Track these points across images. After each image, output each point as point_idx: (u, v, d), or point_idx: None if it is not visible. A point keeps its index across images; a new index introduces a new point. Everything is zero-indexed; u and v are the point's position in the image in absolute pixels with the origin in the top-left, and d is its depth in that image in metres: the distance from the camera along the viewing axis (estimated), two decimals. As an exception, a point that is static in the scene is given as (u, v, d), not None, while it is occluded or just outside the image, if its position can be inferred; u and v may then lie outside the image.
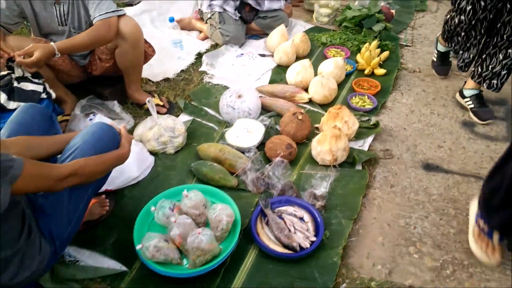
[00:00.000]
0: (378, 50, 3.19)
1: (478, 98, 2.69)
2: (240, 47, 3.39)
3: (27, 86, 1.99)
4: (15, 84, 1.98)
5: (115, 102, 2.52)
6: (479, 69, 2.57)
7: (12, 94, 1.96)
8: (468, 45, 2.63)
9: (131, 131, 2.40)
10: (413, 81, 3.07)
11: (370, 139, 2.48)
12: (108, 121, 2.33)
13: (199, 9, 3.50)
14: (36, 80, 2.02)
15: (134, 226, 1.78)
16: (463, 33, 2.58)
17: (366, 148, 2.42)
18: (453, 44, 2.77)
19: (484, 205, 1.80)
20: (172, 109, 2.67)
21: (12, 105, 1.94)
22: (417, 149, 2.45)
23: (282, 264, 1.78)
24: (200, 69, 3.12)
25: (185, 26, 3.63)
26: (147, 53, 2.56)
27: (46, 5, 2.22)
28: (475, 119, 2.67)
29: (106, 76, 2.61)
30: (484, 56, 2.53)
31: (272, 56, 3.27)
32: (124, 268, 1.75)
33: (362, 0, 3.87)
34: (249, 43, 3.49)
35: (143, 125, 2.32)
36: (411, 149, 2.44)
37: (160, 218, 1.76)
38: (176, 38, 3.18)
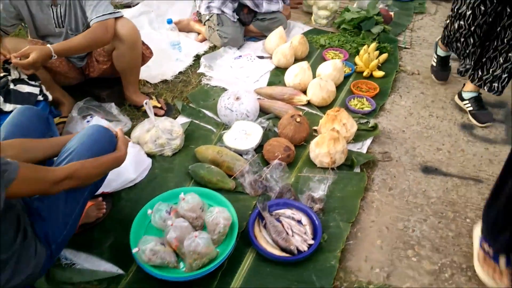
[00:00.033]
0: (377, 52, 3.19)
1: (477, 100, 2.68)
2: (238, 49, 3.38)
3: (24, 88, 1.98)
4: (12, 86, 1.97)
5: (113, 104, 2.51)
6: (479, 72, 2.56)
7: (8, 96, 1.95)
8: (467, 52, 2.60)
9: (128, 133, 2.39)
10: (411, 84, 3.06)
11: (368, 141, 2.47)
12: (105, 123, 2.32)
13: (197, 11, 3.50)
14: (33, 82, 2.01)
15: (130, 229, 1.77)
16: (462, 39, 2.55)
17: (364, 150, 2.41)
18: (454, 49, 2.74)
19: (487, 229, 1.73)
20: (170, 111, 2.66)
21: (8, 107, 1.93)
22: (415, 152, 2.44)
23: (279, 268, 1.77)
24: (198, 71, 3.11)
25: (183, 27, 3.62)
26: (145, 55, 2.55)
27: (43, 6, 2.21)
28: (474, 121, 2.66)
29: (104, 78, 2.60)
30: (484, 59, 2.52)
31: (271, 58, 3.26)
32: (120, 271, 1.74)
33: (361, 1, 3.87)
34: (247, 45, 3.48)
35: (141, 127, 2.31)
36: (410, 152, 2.44)
37: (157, 221, 1.75)
38: (174, 40, 3.17)
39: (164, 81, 2.98)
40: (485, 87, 2.59)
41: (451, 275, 1.80)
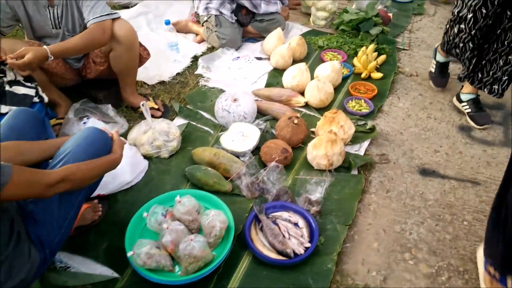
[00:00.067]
0: (375, 53, 3.18)
1: (475, 102, 2.67)
2: (236, 50, 3.37)
3: (19, 90, 1.97)
4: (7, 87, 1.96)
5: (109, 105, 2.50)
6: (479, 75, 2.55)
7: (4, 98, 1.94)
8: (465, 56, 2.57)
9: (125, 135, 2.38)
10: (410, 85, 3.06)
11: (366, 143, 2.46)
12: (101, 124, 2.32)
13: (196, 12, 3.48)
14: (29, 84, 2.00)
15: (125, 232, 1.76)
16: (461, 44, 2.52)
17: (362, 152, 2.41)
18: (454, 55, 2.70)
19: (491, 252, 1.66)
20: (167, 113, 2.65)
21: (3, 109, 1.92)
22: (413, 154, 2.43)
23: (276, 271, 1.76)
24: (196, 72, 3.10)
25: (181, 28, 3.61)
26: (142, 56, 2.54)
27: (40, 7, 2.20)
28: (472, 123, 2.65)
29: (101, 79, 2.59)
30: (483, 62, 2.50)
31: (269, 59, 3.25)
32: (115, 275, 1.73)
33: (360, 2, 3.86)
34: (245, 46, 3.47)
35: (137, 129, 2.31)
36: (408, 154, 2.43)
37: (153, 224, 1.74)
38: (172, 41, 3.16)
39: (162, 82, 2.97)
40: (485, 89, 2.58)
41: (448, 278, 1.79)
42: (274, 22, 3.45)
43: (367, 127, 2.52)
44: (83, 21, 2.23)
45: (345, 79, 3.03)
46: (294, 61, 3.18)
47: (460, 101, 2.74)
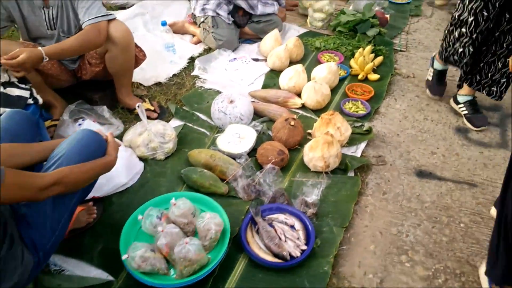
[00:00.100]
0: (372, 55, 3.17)
1: (472, 104, 2.67)
2: (233, 51, 3.36)
3: (13, 92, 1.95)
4: (1, 89, 1.94)
5: (104, 107, 2.48)
6: (478, 77, 2.54)
7: (-2, 99, 1.93)
8: (463, 62, 2.53)
9: (120, 137, 2.36)
10: (406, 87, 3.05)
11: (363, 145, 2.46)
12: (97, 126, 2.31)
13: (192, 13, 3.47)
14: (23, 85, 1.99)
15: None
16: (460, 49, 2.49)
17: (358, 154, 2.40)
18: (453, 63, 2.66)
19: (495, 272, 1.60)
20: (163, 114, 2.64)
21: (-3, 111, 1.91)
22: (410, 156, 2.42)
23: (272, 274, 1.75)
24: (192, 74, 3.09)
25: (178, 29, 3.60)
26: (138, 57, 2.53)
27: (35, 8, 2.19)
28: (469, 125, 2.65)
29: (96, 80, 2.57)
30: (482, 64, 2.49)
31: (266, 60, 3.24)
32: (110, 278, 1.72)
33: (357, 3, 3.86)
34: (242, 48, 3.46)
35: (133, 130, 2.29)
36: (404, 156, 2.42)
37: (147, 227, 1.73)
38: (168, 42, 3.15)
39: (158, 84, 2.95)
40: (484, 91, 2.58)
41: (445, 280, 1.79)
42: (271, 23, 3.44)
43: (364, 129, 2.51)
44: (79, 22, 2.21)
45: (342, 80, 3.02)
46: (291, 63, 3.17)
47: (457, 102, 2.73)
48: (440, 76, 2.87)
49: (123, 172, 2.09)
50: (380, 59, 3.18)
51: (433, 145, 2.51)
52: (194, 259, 1.57)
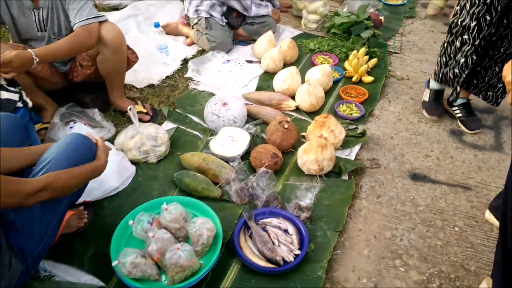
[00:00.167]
0: (366, 57, 3.16)
1: (466, 107, 2.66)
2: (227, 53, 3.34)
3: (2, 95, 1.91)
4: (-10, 92, 1.91)
5: (96, 110, 2.45)
6: (475, 80, 2.53)
7: (-14, 103, 1.89)
8: (464, 74, 2.46)
9: (112, 140, 2.34)
10: (401, 89, 3.04)
11: (357, 148, 2.44)
12: (88, 129, 2.28)
13: (186, 14, 3.45)
14: (12, 88, 1.95)
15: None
16: (462, 60, 2.41)
17: (353, 157, 2.38)
18: (449, 81, 2.59)
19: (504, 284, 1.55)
20: (156, 117, 2.61)
21: (-15, 114, 1.87)
22: (404, 159, 2.41)
23: (265, 279, 1.73)
24: (185, 76, 3.06)
25: (171, 31, 3.57)
26: (130, 59, 2.50)
27: (24, 10, 2.16)
28: (463, 128, 2.64)
29: (88, 82, 2.54)
30: (478, 68, 2.48)
31: (260, 62, 3.22)
32: (101, 284, 1.69)
33: (351, 3, 3.85)
34: (236, 49, 3.44)
35: (125, 133, 2.27)
36: (398, 158, 2.41)
37: (138, 232, 1.70)
38: (161, 44, 3.12)
39: (151, 86, 2.93)
40: (480, 96, 2.57)
41: (439, 285, 1.77)
42: (265, 25, 3.43)
43: (358, 132, 2.50)
44: (69, 24, 2.18)
45: (336, 82, 3.01)
46: (285, 65, 3.15)
47: (451, 105, 2.72)
48: (437, 95, 2.77)
49: (114, 176, 2.06)
50: (374, 61, 3.17)
51: (427, 148, 2.50)
52: (185, 265, 1.54)
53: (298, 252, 1.78)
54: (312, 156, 2.15)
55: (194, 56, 3.30)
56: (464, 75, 2.45)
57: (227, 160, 2.24)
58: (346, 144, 2.42)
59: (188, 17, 3.40)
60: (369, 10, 3.71)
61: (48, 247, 1.51)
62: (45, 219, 1.45)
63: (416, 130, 2.64)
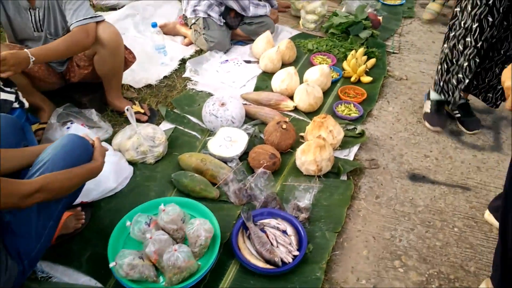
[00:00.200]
0: (365, 57, 3.16)
1: (465, 107, 2.66)
2: (225, 53, 3.33)
3: (-2, 95, 1.91)
4: (-15, 93, 1.90)
5: (93, 110, 2.44)
6: (475, 82, 2.52)
7: (-18, 104, 1.88)
8: (468, 78, 2.39)
9: (110, 140, 2.32)
10: (399, 89, 3.03)
11: (355, 148, 2.43)
12: (85, 130, 2.27)
13: (184, 14, 3.44)
14: (8, 89, 1.93)
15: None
16: (465, 64, 2.34)
17: (351, 157, 2.38)
18: (449, 91, 2.51)
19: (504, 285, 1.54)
20: (153, 117, 2.60)
21: (-19, 115, 1.86)
22: (403, 159, 2.40)
23: (263, 280, 1.72)
24: (183, 76, 3.05)
25: (169, 31, 3.56)
26: (127, 59, 2.49)
27: (21, 10, 2.15)
28: (462, 128, 2.63)
29: (85, 83, 2.53)
30: (479, 70, 2.46)
31: (258, 62, 3.22)
32: (99, 285, 1.68)
33: (349, 4, 3.84)
34: (234, 49, 3.43)
35: (122, 134, 2.25)
36: (397, 159, 2.40)
37: (136, 233, 1.68)
38: (159, 44, 3.11)
39: (148, 86, 2.91)
40: (480, 97, 2.56)
41: (439, 286, 1.77)
42: (263, 25, 3.41)
43: (357, 132, 2.49)
44: (66, 24, 2.17)
45: (334, 83, 3.00)
46: (283, 65, 3.14)
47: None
48: (438, 106, 2.67)
49: (112, 176, 2.04)
50: (372, 61, 3.17)
51: (426, 148, 2.49)
52: (183, 267, 1.53)
53: (296, 253, 1.77)
54: (310, 156, 2.14)
55: (192, 56, 3.29)
56: (467, 80, 2.39)
57: (225, 161, 2.22)
58: (344, 144, 2.41)
59: (186, 17, 3.38)
60: (367, 10, 3.70)
61: (45, 249, 1.50)
62: (41, 220, 1.44)
63: (415, 130, 2.63)
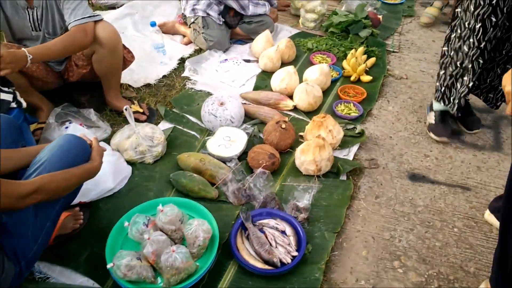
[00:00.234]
0: (365, 56, 3.15)
1: (466, 106, 2.64)
2: (224, 52, 3.32)
3: (-5, 95, 1.90)
4: (-17, 93, 1.89)
5: (91, 110, 2.43)
6: (476, 82, 2.50)
7: (-21, 104, 1.87)
8: (472, 81, 2.32)
9: (108, 140, 2.32)
10: (399, 88, 3.02)
11: (355, 148, 2.42)
12: (83, 130, 2.26)
13: (183, 13, 3.43)
14: (6, 89, 1.92)
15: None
16: (470, 65, 2.28)
17: (351, 157, 2.37)
18: (450, 98, 2.45)
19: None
20: (152, 116, 2.59)
21: (-22, 116, 1.85)
22: (403, 159, 2.39)
23: (262, 281, 1.72)
24: (182, 75, 3.04)
25: (168, 30, 3.55)
26: (126, 59, 2.48)
27: (18, 9, 2.14)
28: (462, 128, 2.62)
29: (84, 82, 2.52)
30: (480, 70, 2.44)
31: (257, 61, 3.20)
32: (96, 286, 1.68)
33: (349, 3, 3.83)
34: (233, 48, 3.42)
35: (120, 133, 2.24)
36: (397, 159, 2.39)
37: (134, 234, 1.68)
38: (158, 43, 3.10)
39: (147, 85, 2.90)
40: (481, 97, 2.54)
41: (438, 286, 1.76)
42: (263, 24, 3.40)
43: (356, 131, 2.48)
44: (64, 23, 2.16)
45: (334, 82, 2.99)
46: (283, 64, 3.13)
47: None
48: (443, 116, 2.59)
49: (110, 176, 2.04)
50: (372, 60, 3.15)
51: (426, 147, 2.48)
52: (181, 268, 1.53)
53: (295, 253, 1.76)
54: (310, 156, 2.13)
55: (191, 56, 3.28)
56: (471, 83, 2.33)
57: (224, 161, 2.21)
58: (344, 144, 2.40)
59: (185, 16, 3.37)
60: (367, 9, 3.69)
61: (42, 249, 1.49)
62: (38, 221, 1.43)
63: (415, 130, 2.62)
